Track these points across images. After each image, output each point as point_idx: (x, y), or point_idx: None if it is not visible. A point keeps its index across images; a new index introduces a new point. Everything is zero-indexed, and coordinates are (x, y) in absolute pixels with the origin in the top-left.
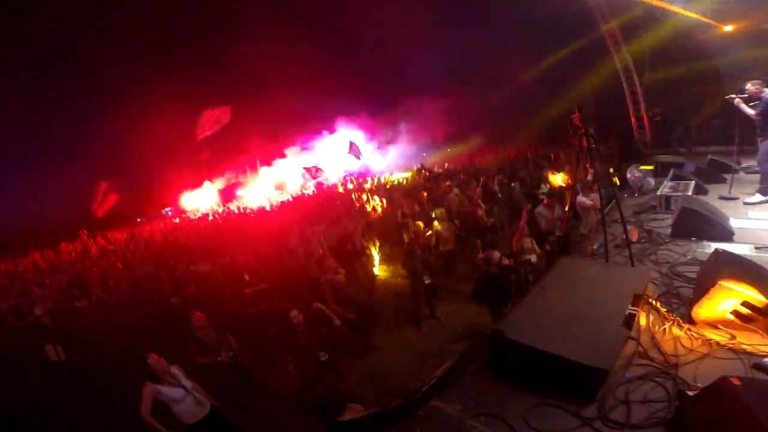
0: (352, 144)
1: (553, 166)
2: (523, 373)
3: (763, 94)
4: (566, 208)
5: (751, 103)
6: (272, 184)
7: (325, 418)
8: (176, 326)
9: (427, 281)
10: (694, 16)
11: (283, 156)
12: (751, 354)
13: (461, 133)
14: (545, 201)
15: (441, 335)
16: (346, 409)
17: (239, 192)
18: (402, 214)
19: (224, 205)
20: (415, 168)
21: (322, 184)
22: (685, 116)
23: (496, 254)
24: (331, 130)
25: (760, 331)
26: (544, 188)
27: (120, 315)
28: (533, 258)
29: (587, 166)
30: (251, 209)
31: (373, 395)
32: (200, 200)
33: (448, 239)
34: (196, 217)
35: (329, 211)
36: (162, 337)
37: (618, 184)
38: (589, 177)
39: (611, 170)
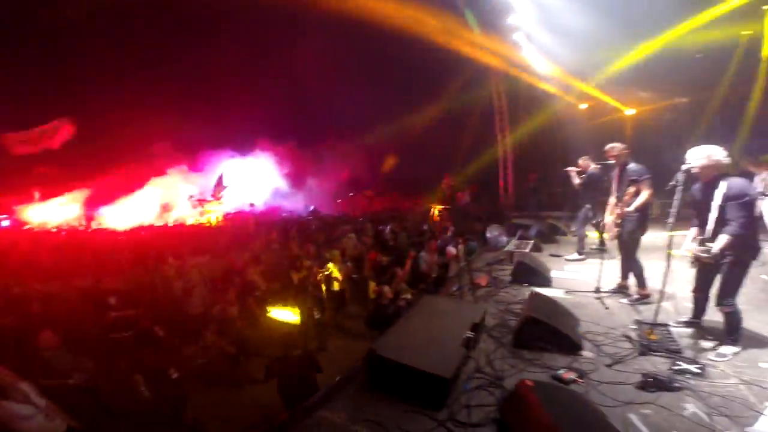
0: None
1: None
2: (393, 385)
3: (589, 168)
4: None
5: (582, 175)
6: (158, 203)
7: None
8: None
9: (317, 316)
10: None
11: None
12: (551, 368)
13: (363, 180)
14: (427, 247)
15: (328, 366)
16: None
17: (104, 209)
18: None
19: (87, 221)
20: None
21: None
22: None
23: (387, 289)
24: (244, 153)
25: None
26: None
27: None
28: (409, 296)
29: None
30: (120, 229)
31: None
32: (53, 212)
33: (340, 279)
34: (44, 230)
35: (214, 242)
36: None
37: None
38: (449, 234)
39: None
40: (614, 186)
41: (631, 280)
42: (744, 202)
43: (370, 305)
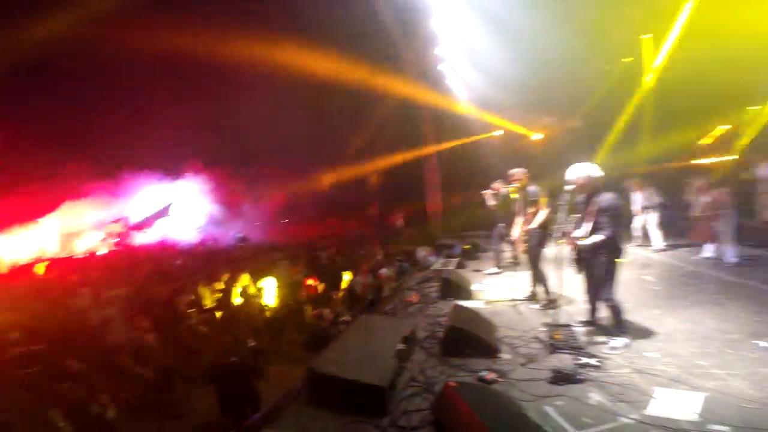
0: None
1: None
2: (335, 399)
3: (501, 190)
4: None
5: (496, 197)
6: (59, 233)
7: None
8: None
9: (252, 344)
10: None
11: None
12: (476, 371)
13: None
14: (361, 271)
15: (269, 391)
16: None
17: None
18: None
19: None
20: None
21: (124, 242)
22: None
23: (327, 311)
24: (173, 177)
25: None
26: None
27: None
28: (347, 317)
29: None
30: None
31: None
32: None
33: (275, 306)
34: None
35: (131, 273)
36: None
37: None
38: (379, 257)
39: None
40: (520, 206)
41: (540, 288)
42: (612, 214)
43: (308, 329)
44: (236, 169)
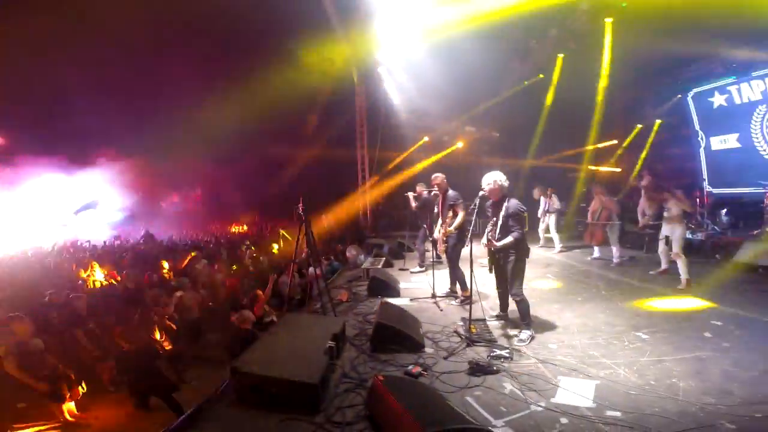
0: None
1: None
2: (264, 399)
3: (423, 193)
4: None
5: (419, 199)
6: None
7: None
8: None
9: (168, 347)
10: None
11: None
12: (403, 365)
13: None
14: (286, 271)
15: (191, 396)
16: None
17: None
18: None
19: None
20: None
21: None
22: (393, 209)
23: (249, 314)
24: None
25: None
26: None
27: None
28: (273, 318)
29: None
30: None
31: None
32: None
33: (191, 308)
34: None
35: (12, 275)
36: None
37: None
38: (303, 255)
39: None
40: (439, 209)
41: (458, 285)
42: (519, 218)
43: (230, 332)
44: (153, 160)
